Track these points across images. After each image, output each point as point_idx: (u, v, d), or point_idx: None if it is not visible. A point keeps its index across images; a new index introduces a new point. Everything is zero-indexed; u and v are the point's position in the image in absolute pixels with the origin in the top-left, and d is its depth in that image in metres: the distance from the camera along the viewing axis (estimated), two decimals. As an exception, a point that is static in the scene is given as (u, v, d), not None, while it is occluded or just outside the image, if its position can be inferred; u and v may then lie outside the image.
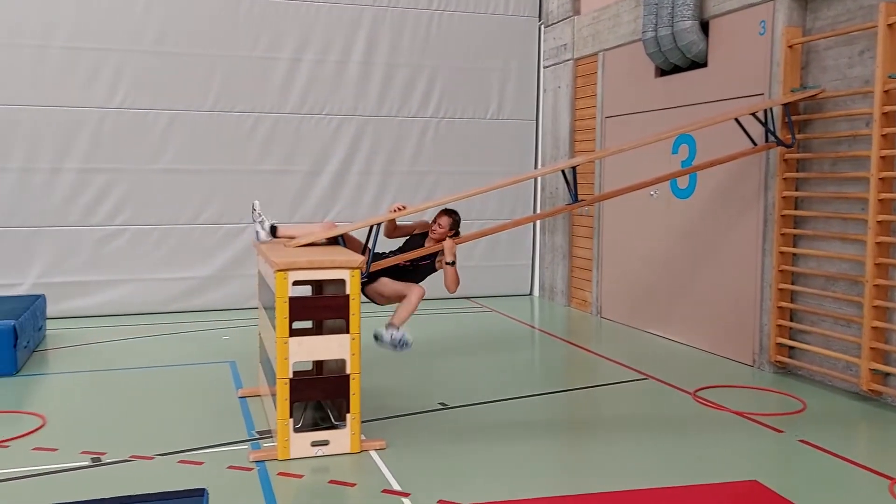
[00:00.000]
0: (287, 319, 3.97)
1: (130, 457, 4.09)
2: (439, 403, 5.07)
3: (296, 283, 4.01)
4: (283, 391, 4.00)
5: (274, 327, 4.06)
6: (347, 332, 4.07)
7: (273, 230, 4.98)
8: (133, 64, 8.34)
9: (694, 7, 6.73)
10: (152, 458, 4.09)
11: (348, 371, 4.08)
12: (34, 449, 4.21)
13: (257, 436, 4.44)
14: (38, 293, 7.66)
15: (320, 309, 4.09)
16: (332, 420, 4.22)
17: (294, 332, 4.05)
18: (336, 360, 4.25)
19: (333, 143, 9.21)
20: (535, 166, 10.01)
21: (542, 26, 9.79)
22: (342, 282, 4.05)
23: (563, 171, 5.29)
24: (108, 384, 5.70)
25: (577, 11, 9.07)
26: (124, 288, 8.51)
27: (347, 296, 4.04)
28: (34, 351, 6.65)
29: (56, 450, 4.19)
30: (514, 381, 5.79)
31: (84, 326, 7.77)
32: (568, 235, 9.21)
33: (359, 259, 4.10)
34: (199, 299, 8.78)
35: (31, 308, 6.67)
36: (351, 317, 4.05)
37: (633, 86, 7.87)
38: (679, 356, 6.62)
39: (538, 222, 9.96)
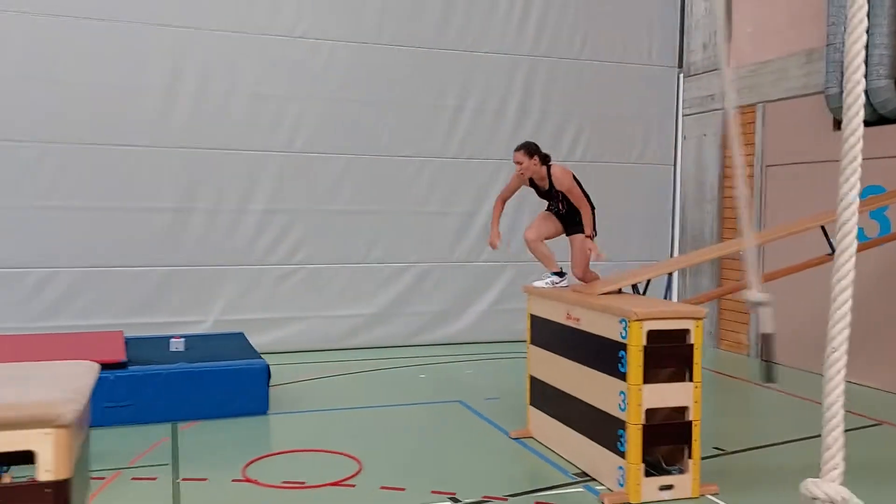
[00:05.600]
0: (641, 367, 4.20)
1: (483, 497, 4.29)
2: (714, 448, 5.26)
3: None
4: (636, 437, 4.21)
5: (613, 372, 4.30)
6: (690, 380, 4.30)
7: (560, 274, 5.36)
8: (313, 110, 8.66)
9: (889, 66, 7.06)
10: (506, 499, 4.28)
11: (690, 418, 4.30)
12: (382, 488, 4.40)
13: (577, 478, 4.64)
14: (227, 331, 7.89)
15: (666, 357, 4.31)
16: (664, 465, 4.42)
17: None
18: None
19: (490, 186, 9.49)
20: (673, 210, 10.31)
21: (682, 76, 10.15)
22: (686, 331, 4.29)
23: (822, 226, 5.55)
24: (366, 422, 5.89)
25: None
26: (297, 325, 8.73)
27: (692, 345, 4.28)
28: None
29: (404, 489, 4.39)
30: (755, 425, 5.98)
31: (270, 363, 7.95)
32: (716, 278, 9.46)
33: (703, 311, 4.35)
34: (364, 337, 9.00)
35: (250, 345, 6.90)
36: (694, 366, 4.29)
37: (804, 137, 8.17)
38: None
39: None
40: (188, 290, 8.29)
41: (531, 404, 5.47)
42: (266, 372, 6.05)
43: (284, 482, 4.47)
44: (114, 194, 7.95)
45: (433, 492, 4.35)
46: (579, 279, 5.47)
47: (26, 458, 2.32)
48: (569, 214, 5.43)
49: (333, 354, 8.54)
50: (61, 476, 2.08)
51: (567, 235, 5.55)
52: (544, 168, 5.35)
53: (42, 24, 7.62)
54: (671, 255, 10.32)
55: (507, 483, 4.52)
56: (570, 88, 9.73)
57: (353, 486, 4.45)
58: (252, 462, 4.79)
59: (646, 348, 4.21)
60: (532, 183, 5.50)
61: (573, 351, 4.87)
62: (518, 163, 5.34)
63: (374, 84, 8.87)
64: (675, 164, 10.27)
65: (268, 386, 6.06)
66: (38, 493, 2.05)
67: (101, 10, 7.81)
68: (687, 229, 10.06)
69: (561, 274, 5.41)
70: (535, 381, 5.43)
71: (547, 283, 5.37)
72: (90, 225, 7.88)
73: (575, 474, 4.71)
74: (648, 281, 5.23)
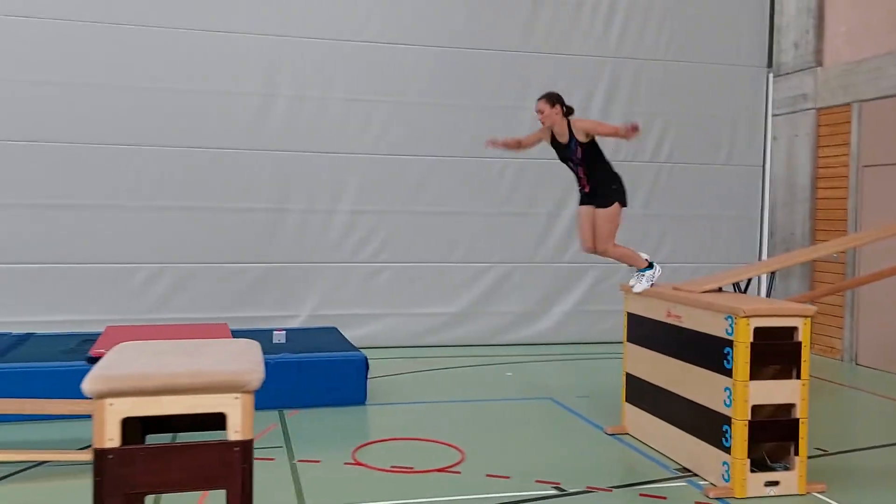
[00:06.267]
0: (748, 364, 4.23)
1: (588, 487, 4.38)
2: (817, 448, 5.20)
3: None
4: (742, 432, 4.23)
5: (718, 369, 4.33)
6: (797, 377, 4.29)
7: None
8: (399, 114, 8.89)
9: None
10: (610, 490, 4.37)
11: (797, 415, 4.30)
12: (488, 475, 4.54)
13: (678, 473, 4.68)
14: (320, 325, 8.19)
15: (773, 354, 4.32)
16: (768, 462, 4.42)
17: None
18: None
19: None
20: (762, 211, 10.15)
21: (772, 75, 9.99)
22: (793, 329, 4.29)
23: (931, 225, 5.44)
24: (461, 415, 6.05)
25: (819, 63, 9.23)
26: (383, 321, 8.97)
27: (799, 343, 4.28)
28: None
29: (509, 477, 4.52)
30: (855, 428, 5.89)
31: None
32: (808, 280, 9.26)
33: (812, 309, 4.34)
34: (448, 334, 9.17)
35: (346, 339, 7.16)
36: (802, 363, 4.28)
37: (904, 137, 7.97)
38: None
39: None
40: (283, 287, 8.62)
41: (627, 401, 5.52)
42: (365, 364, 6.27)
43: (393, 467, 4.65)
44: (215, 195, 8.35)
45: (537, 481, 4.46)
46: (600, 252, 5.40)
47: (169, 424, 2.55)
48: (592, 189, 5.40)
49: (418, 351, 8.74)
50: (247, 437, 2.30)
51: (597, 208, 5.43)
52: (565, 121, 5.29)
53: (147, 36, 8.09)
54: (759, 258, 10.15)
55: (608, 476, 4.61)
56: (655, 89, 9.71)
57: (459, 472, 4.60)
58: (360, 447, 5.00)
59: (753, 345, 4.23)
60: (553, 141, 5.41)
61: (674, 348, 4.90)
62: (539, 111, 5.31)
63: (458, 87, 9.04)
64: (763, 166, 10.11)
65: (366, 377, 6.28)
66: (228, 452, 2.28)
67: (203, 21, 8.24)
68: (777, 231, 9.89)
69: (652, 265, 5.41)
70: (631, 378, 5.48)
71: (645, 283, 5.36)
72: (194, 224, 8.29)
73: (676, 469, 4.75)
74: (749, 279, 5.22)
